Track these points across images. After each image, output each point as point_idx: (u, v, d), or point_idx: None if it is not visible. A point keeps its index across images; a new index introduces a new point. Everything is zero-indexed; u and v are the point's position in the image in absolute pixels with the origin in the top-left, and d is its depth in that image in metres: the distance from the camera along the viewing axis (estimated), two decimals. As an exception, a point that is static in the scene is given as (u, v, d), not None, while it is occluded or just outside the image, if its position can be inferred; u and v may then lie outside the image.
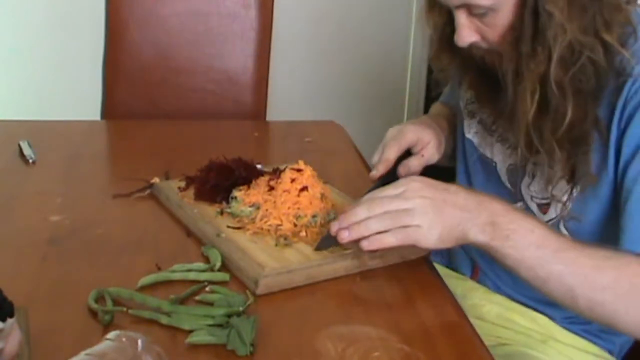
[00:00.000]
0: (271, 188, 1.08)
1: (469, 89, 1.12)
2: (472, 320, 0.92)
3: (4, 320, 0.65)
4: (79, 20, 2.31)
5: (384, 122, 1.60)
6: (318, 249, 0.99)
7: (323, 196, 1.08)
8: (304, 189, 1.06)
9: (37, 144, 1.37)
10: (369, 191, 1.02)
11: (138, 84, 1.80)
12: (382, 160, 1.10)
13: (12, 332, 0.67)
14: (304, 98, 2.60)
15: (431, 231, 0.90)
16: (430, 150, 1.16)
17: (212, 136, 1.50)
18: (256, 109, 1.83)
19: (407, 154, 1.14)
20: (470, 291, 1.18)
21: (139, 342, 0.66)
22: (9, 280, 0.76)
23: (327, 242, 0.98)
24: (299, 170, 1.08)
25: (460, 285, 1.17)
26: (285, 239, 1.01)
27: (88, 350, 0.65)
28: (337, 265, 0.97)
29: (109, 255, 1.01)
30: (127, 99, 1.80)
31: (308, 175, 1.08)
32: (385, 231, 0.91)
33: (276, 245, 1.00)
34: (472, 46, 0.99)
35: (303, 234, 1.03)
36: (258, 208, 1.06)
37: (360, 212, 0.92)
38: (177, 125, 1.60)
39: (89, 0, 2.02)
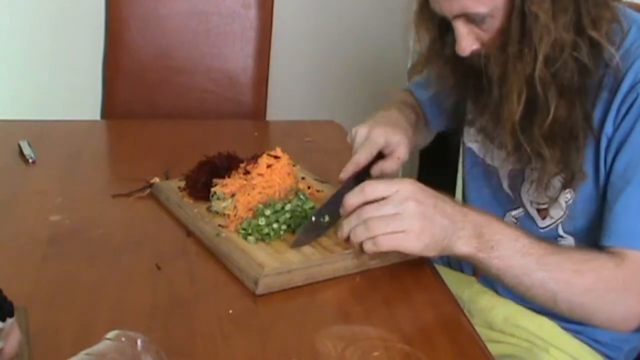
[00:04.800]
0: (247, 172, 1.09)
1: (455, 93, 1.12)
2: (479, 328, 0.93)
3: (4, 320, 0.65)
4: (78, 20, 2.31)
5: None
6: (294, 246, 0.99)
7: (290, 175, 1.09)
8: (269, 166, 1.08)
9: (37, 144, 1.37)
10: (336, 193, 1.03)
11: (138, 84, 1.80)
12: (352, 162, 1.08)
13: (12, 332, 0.67)
14: (304, 98, 2.59)
15: (420, 237, 0.90)
16: (402, 149, 1.12)
17: (212, 136, 1.50)
18: (256, 108, 1.83)
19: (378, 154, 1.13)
20: (477, 295, 1.18)
21: (139, 341, 0.66)
22: (9, 280, 0.76)
23: (303, 238, 0.99)
24: (275, 157, 1.09)
25: (467, 289, 1.18)
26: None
27: (88, 350, 0.65)
28: (337, 265, 0.97)
29: (109, 255, 1.01)
30: (127, 99, 1.80)
31: (284, 162, 1.09)
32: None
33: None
34: (472, 54, 0.99)
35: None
36: (233, 195, 1.07)
37: (353, 219, 0.92)
38: (177, 125, 1.60)
39: (89, 0, 2.02)
